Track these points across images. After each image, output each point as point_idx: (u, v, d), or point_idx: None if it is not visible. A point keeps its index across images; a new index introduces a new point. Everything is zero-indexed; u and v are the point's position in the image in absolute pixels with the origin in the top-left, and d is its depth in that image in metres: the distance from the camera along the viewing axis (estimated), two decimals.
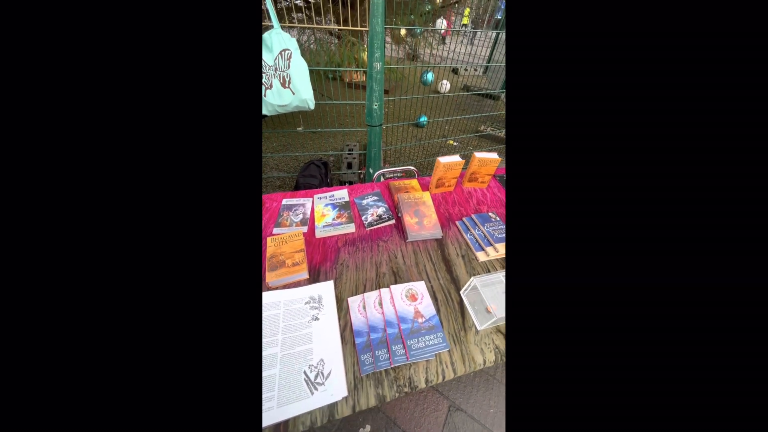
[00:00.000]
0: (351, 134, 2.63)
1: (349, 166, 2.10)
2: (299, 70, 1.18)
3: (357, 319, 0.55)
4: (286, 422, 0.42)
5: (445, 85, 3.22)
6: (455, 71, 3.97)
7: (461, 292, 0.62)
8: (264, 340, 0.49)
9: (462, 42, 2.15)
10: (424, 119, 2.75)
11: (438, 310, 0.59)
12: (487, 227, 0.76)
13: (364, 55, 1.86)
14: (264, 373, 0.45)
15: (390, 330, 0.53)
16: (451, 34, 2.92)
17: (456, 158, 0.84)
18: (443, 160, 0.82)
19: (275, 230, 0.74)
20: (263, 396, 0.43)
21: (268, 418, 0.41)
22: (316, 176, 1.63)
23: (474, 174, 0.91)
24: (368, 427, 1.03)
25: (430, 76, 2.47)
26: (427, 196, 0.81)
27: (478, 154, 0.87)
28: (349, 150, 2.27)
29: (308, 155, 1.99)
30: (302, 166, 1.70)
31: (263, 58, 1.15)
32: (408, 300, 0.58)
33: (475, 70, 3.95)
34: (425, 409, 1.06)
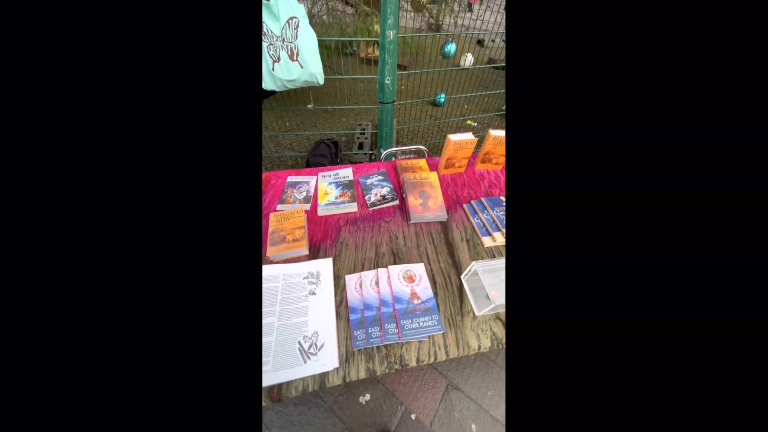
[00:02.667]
0: (364, 114, 2.55)
1: (360, 146, 2.05)
2: (308, 41, 1.12)
3: (353, 296, 0.55)
4: (279, 386, 0.44)
5: (468, 59, 2.94)
6: (480, 43, 3.63)
7: (462, 276, 0.61)
8: (262, 310, 0.51)
9: (490, 8, 1.91)
10: (442, 97, 2.58)
11: (436, 294, 0.57)
12: (496, 212, 0.72)
13: (378, 27, 1.73)
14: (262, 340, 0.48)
15: (384, 309, 0.53)
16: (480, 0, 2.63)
17: (468, 136, 0.77)
18: (454, 137, 0.76)
19: (279, 207, 0.75)
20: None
21: (264, 380, 0.43)
22: (326, 156, 1.61)
23: (488, 154, 0.85)
24: (368, 396, 1.09)
25: (452, 48, 2.27)
26: (433, 177, 0.77)
27: (494, 132, 0.80)
28: (362, 130, 2.21)
29: (319, 134, 1.96)
30: (313, 145, 1.68)
31: (270, 27, 1.10)
32: (405, 281, 0.58)
33: (504, 40, 3.59)
34: (423, 385, 1.09)
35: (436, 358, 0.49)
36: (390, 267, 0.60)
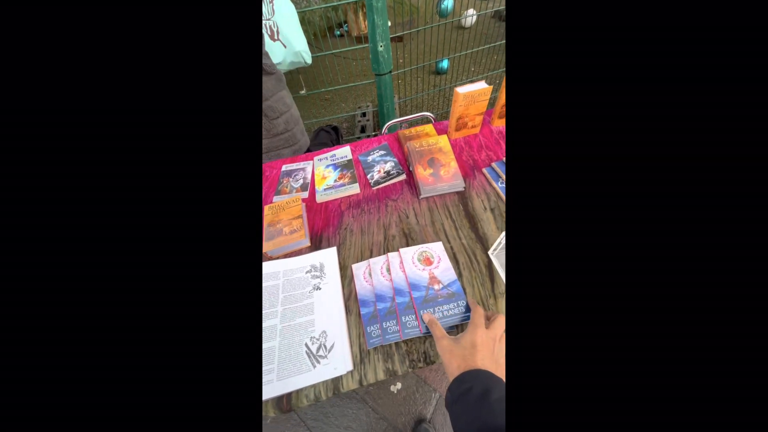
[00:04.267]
0: (363, 95, 2.40)
1: (363, 129, 1.93)
2: (287, 16, 1.00)
3: (362, 287, 0.48)
4: (289, 395, 0.39)
5: (471, 16, 2.61)
6: None
7: (489, 252, 0.51)
8: (263, 312, 0.46)
9: None
10: (445, 64, 2.34)
11: (460, 275, 0.48)
12: None
13: None
14: (263, 345, 0.42)
15: (399, 299, 0.45)
16: None
17: (480, 85, 0.64)
18: (462, 89, 0.63)
19: (275, 198, 0.68)
20: (263, 368, 0.40)
21: (269, 390, 0.38)
22: (328, 143, 1.53)
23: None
24: (399, 385, 1.05)
25: (449, 3, 2.01)
26: (444, 141, 0.66)
27: None
28: (362, 113, 2.08)
29: (317, 122, 1.87)
30: (312, 135, 1.60)
31: None
32: (421, 264, 0.49)
33: None
34: None
35: None
36: (402, 250, 0.51)
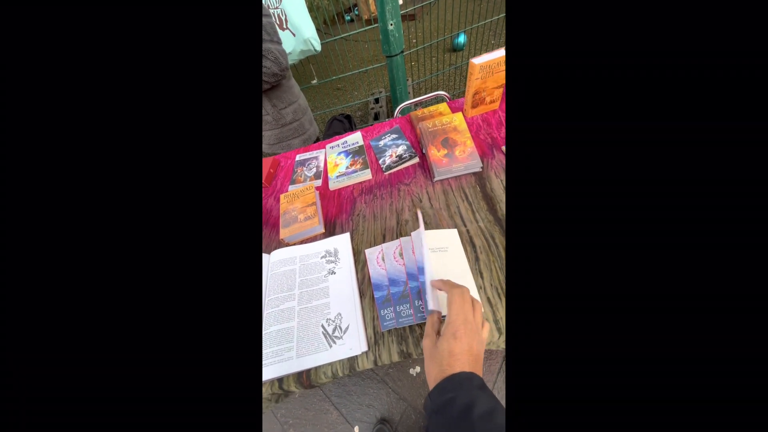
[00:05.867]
0: (376, 82, 2.33)
1: (376, 117, 1.90)
2: (294, 2, 0.99)
3: (376, 271, 0.48)
4: (308, 372, 0.41)
5: None
6: None
7: None
8: (281, 295, 0.48)
9: None
10: (461, 39, 2.18)
11: (477, 259, 0.46)
12: None
13: None
14: (283, 326, 0.45)
15: (412, 283, 0.44)
16: None
17: (499, 53, 0.58)
18: (478, 60, 0.58)
19: (290, 187, 0.70)
20: (282, 347, 0.42)
21: (289, 366, 0.41)
22: (341, 132, 1.52)
23: None
24: (418, 368, 1.07)
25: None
26: (458, 119, 0.62)
27: None
28: (375, 99, 2.04)
29: (330, 111, 1.86)
30: (326, 125, 1.60)
31: None
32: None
33: None
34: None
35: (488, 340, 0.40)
36: (413, 233, 0.50)
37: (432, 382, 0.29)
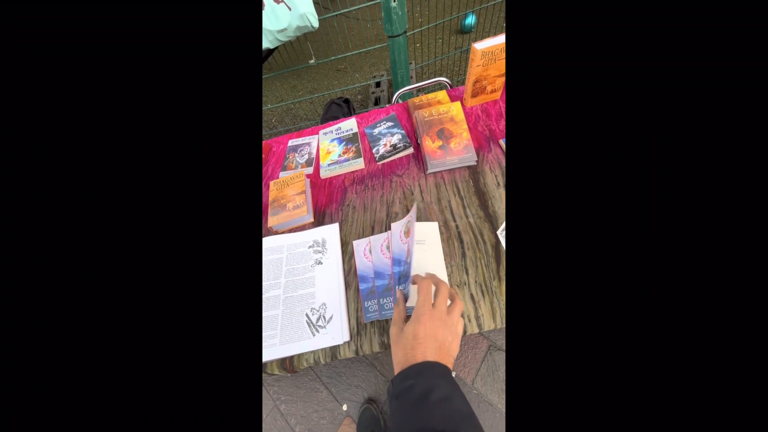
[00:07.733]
0: (379, 65, 2.22)
1: (377, 101, 1.83)
2: None
3: (362, 263, 0.48)
4: (291, 358, 0.42)
5: None
6: None
7: (498, 231, 0.47)
8: (267, 283, 0.48)
9: None
10: (471, 18, 2.06)
11: (464, 255, 0.46)
12: None
13: None
14: (267, 313, 0.45)
15: (395, 274, 0.44)
16: None
17: (502, 38, 0.54)
18: (480, 45, 0.54)
19: (281, 174, 0.69)
20: (266, 333, 0.43)
21: (273, 353, 0.41)
22: (339, 117, 1.47)
23: None
24: None
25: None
26: (456, 109, 0.60)
27: None
28: (377, 82, 1.95)
29: (329, 94, 1.79)
30: (323, 109, 1.55)
31: None
32: (405, 237, 0.47)
33: None
34: (464, 345, 1.05)
35: (465, 332, 0.40)
36: (393, 224, 0.49)
37: (397, 367, 0.30)
